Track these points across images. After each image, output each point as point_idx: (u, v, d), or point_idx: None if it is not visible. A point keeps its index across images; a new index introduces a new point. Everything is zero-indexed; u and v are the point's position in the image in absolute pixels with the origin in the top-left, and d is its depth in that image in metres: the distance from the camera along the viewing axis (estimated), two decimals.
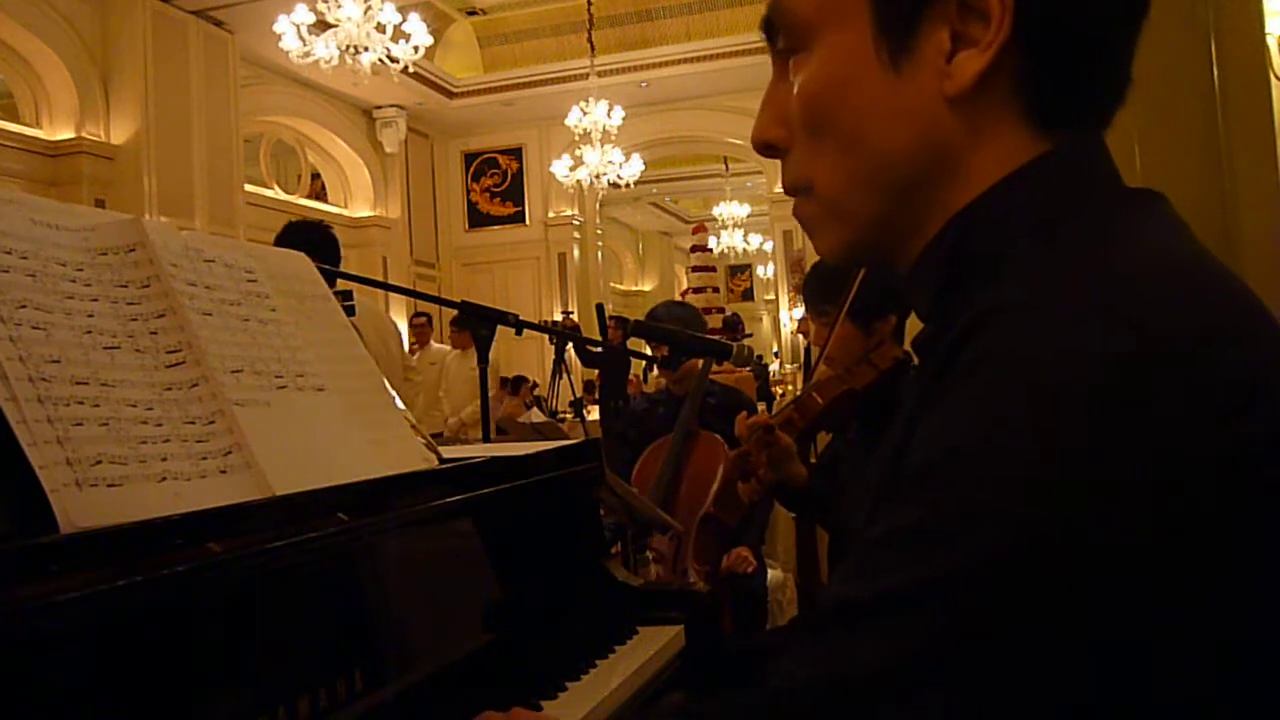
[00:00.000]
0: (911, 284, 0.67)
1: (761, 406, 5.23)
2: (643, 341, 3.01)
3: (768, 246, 14.81)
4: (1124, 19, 0.61)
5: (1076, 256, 0.55)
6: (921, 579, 0.49)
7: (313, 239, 3.23)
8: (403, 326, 7.47)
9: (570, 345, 7.19)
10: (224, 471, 0.92)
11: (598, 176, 9.58)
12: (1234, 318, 0.52)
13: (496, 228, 12.20)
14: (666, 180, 15.11)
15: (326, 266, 1.40)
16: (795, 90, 0.65)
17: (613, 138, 9.55)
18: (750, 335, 10.14)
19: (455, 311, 2.39)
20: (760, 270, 18.88)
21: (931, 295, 0.65)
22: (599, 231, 12.96)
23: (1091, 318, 0.50)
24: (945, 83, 0.60)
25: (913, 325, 2.02)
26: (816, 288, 2.14)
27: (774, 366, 12.46)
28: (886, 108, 0.62)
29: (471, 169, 12.29)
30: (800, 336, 11.38)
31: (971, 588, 0.47)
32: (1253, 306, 0.54)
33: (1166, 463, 0.46)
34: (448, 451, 1.39)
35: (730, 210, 15.26)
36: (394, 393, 1.29)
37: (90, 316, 0.91)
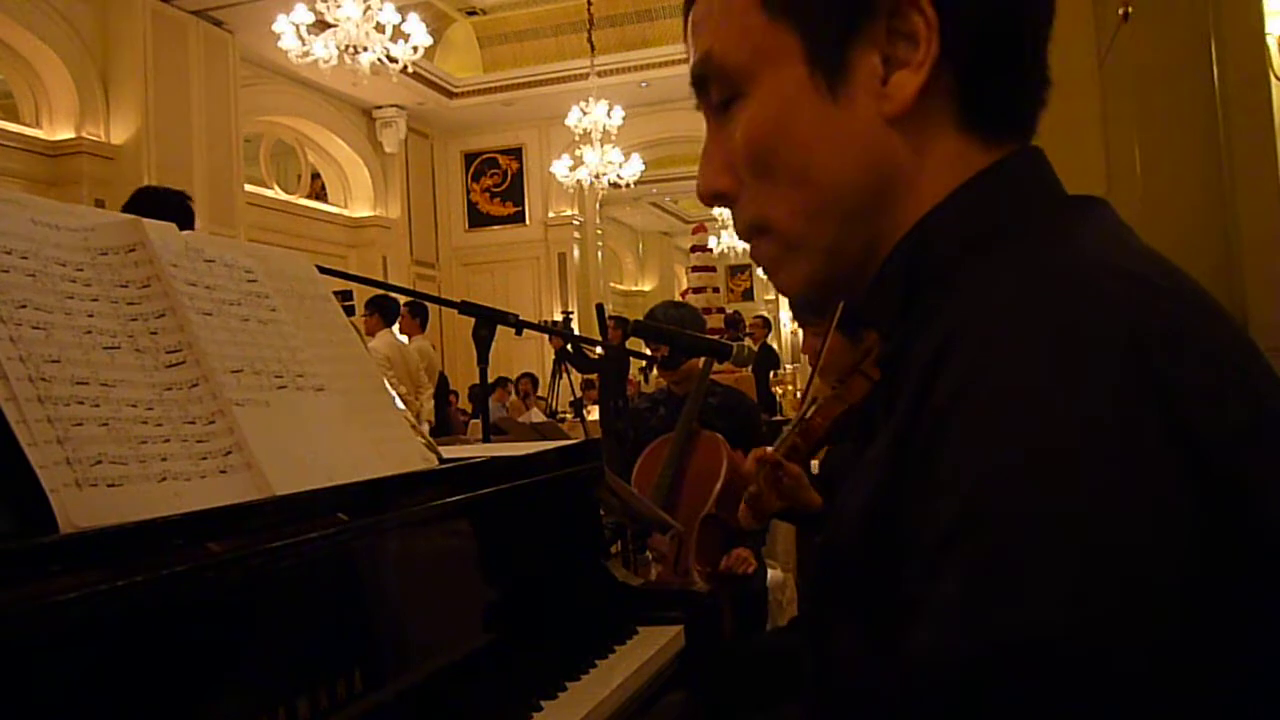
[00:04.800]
0: (870, 303, 0.68)
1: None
2: (641, 341, 3.00)
3: None
4: (1041, 23, 0.63)
5: (1031, 265, 0.56)
6: (973, 651, 0.47)
7: (165, 206, 3.03)
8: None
9: (569, 347, 7.20)
10: (224, 471, 0.92)
11: (598, 176, 9.58)
12: (1198, 309, 0.53)
13: (496, 228, 12.20)
14: (666, 180, 15.09)
15: (326, 267, 1.40)
16: (738, 135, 0.66)
17: (613, 138, 9.55)
18: (751, 334, 10.12)
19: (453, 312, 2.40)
20: (760, 270, 18.83)
21: (891, 313, 0.65)
22: (599, 231, 12.96)
23: (1063, 325, 0.50)
24: (884, 104, 0.61)
25: None
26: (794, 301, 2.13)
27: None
28: (830, 137, 0.63)
29: (471, 169, 12.29)
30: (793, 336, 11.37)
31: (1044, 639, 0.45)
32: (1206, 297, 0.54)
33: (1192, 459, 0.46)
34: (448, 451, 1.39)
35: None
36: (394, 393, 1.29)
37: (90, 316, 0.91)
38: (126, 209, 2.88)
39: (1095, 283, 0.52)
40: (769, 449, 1.99)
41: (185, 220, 3.05)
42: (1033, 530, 0.46)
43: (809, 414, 2.00)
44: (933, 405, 0.53)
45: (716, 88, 0.67)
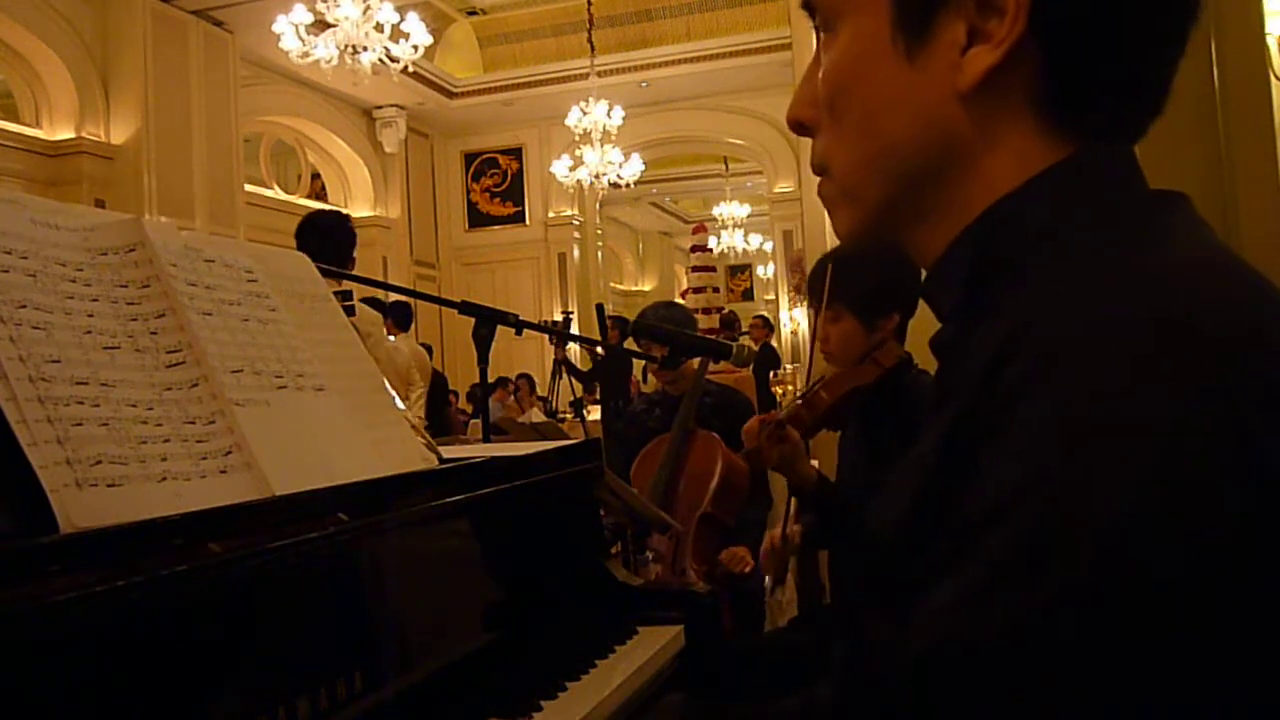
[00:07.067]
0: (933, 284, 0.67)
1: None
2: (637, 342, 3.00)
3: (768, 246, 14.83)
4: (1153, 25, 0.59)
5: (1107, 260, 0.55)
6: (1010, 622, 0.47)
7: (326, 227, 3.48)
8: None
9: (571, 349, 7.19)
10: (224, 471, 0.92)
11: (598, 176, 9.57)
12: (1275, 314, 0.52)
13: (496, 228, 12.20)
14: (666, 180, 15.10)
15: (325, 266, 1.40)
16: (821, 71, 0.66)
17: (613, 138, 9.54)
18: (748, 333, 10.13)
19: (454, 312, 2.40)
20: (760, 270, 18.86)
21: (955, 297, 0.64)
22: (599, 231, 12.96)
23: (1134, 324, 0.50)
24: (957, 77, 0.59)
25: (915, 326, 2.03)
26: (815, 282, 2.15)
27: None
28: (898, 97, 0.62)
29: (471, 169, 12.29)
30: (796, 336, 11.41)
31: (1059, 629, 0.46)
32: None
33: (1241, 471, 0.45)
34: (448, 452, 1.39)
35: (730, 210, 15.25)
36: (394, 393, 1.29)
37: (90, 316, 0.91)
38: (300, 235, 3.42)
39: (1169, 285, 0.51)
40: (772, 413, 2.00)
41: (351, 238, 3.50)
42: (1081, 519, 0.46)
43: (816, 388, 2.01)
44: (993, 398, 0.52)
45: (818, 16, 0.67)
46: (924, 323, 0.71)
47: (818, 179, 0.70)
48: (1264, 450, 0.46)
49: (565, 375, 7.18)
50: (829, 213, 0.70)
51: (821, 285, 2.09)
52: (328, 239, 3.38)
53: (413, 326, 6.76)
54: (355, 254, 3.61)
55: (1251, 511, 0.45)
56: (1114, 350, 0.49)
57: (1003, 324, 0.55)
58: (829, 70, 0.65)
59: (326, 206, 10.79)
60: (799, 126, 0.69)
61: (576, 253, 11.99)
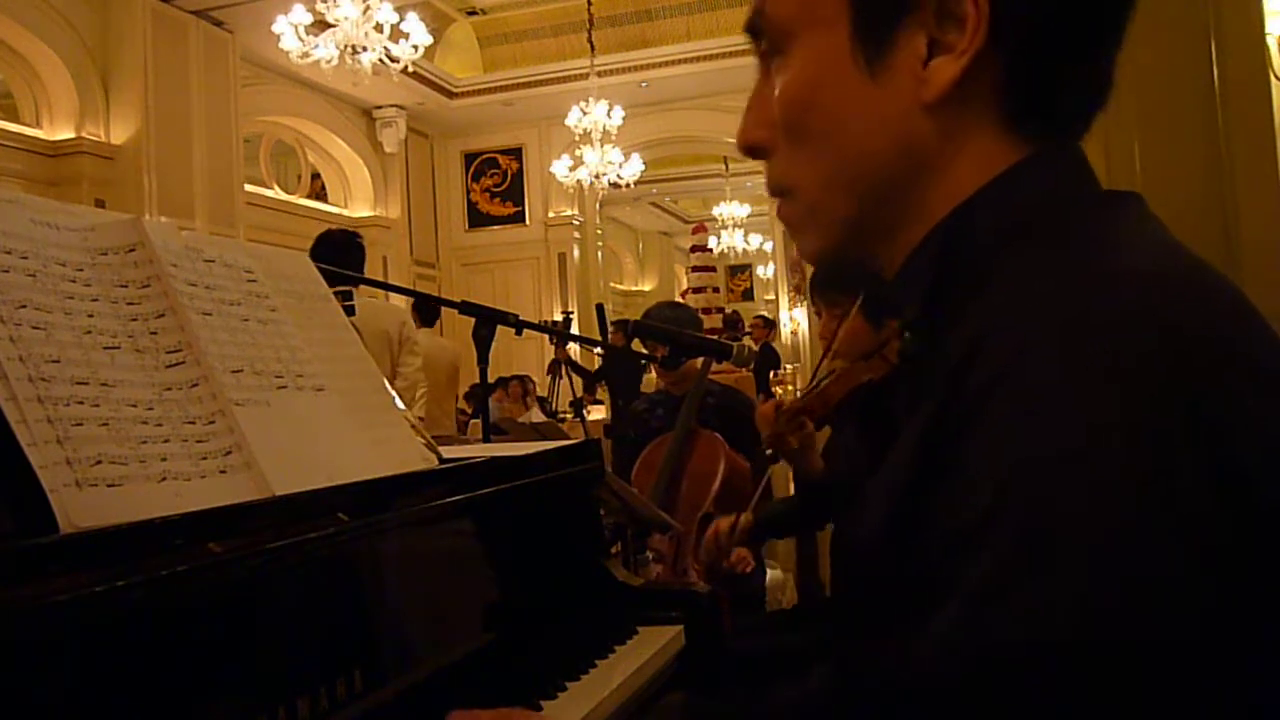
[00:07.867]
0: (898, 290, 0.67)
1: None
2: (641, 342, 3.01)
3: (768, 246, 14.86)
4: (1105, 24, 0.60)
5: (1066, 261, 0.55)
6: (1005, 631, 0.48)
7: (338, 244, 3.81)
8: None
9: (572, 349, 7.18)
10: (224, 471, 0.92)
11: (598, 176, 9.57)
12: (1232, 311, 0.53)
13: (496, 228, 12.19)
14: (666, 180, 15.09)
15: (326, 266, 1.40)
16: (776, 93, 0.65)
17: (613, 138, 9.54)
18: (749, 333, 10.13)
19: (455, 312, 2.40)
20: (760, 270, 18.88)
21: (920, 302, 0.65)
22: (599, 231, 12.95)
23: (1096, 324, 0.50)
24: (921, 89, 0.60)
25: None
26: (826, 277, 2.17)
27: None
28: (861, 113, 0.62)
29: (471, 169, 12.28)
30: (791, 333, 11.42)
31: (1063, 630, 0.46)
32: (1241, 299, 0.54)
33: (1207, 470, 0.46)
34: (448, 451, 1.39)
35: (730, 210, 15.26)
36: (394, 392, 1.29)
37: (90, 316, 0.91)
38: (314, 252, 3.69)
39: (1128, 285, 0.52)
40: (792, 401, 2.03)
41: (361, 255, 3.91)
42: (1058, 524, 0.47)
43: (826, 382, 2.02)
44: (963, 403, 0.53)
45: (766, 39, 0.66)
46: None
47: (777, 201, 0.69)
48: (1234, 448, 0.46)
49: (566, 375, 7.18)
50: (793, 235, 0.69)
51: (827, 283, 2.10)
52: (340, 253, 3.66)
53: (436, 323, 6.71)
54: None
55: (1219, 509, 0.45)
56: (1077, 352, 0.49)
57: (967, 328, 0.56)
58: (786, 91, 0.64)
59: (326, 207, 10.81)
60: (752, 150, 0.68)
61: (576, 253, 11.99)
